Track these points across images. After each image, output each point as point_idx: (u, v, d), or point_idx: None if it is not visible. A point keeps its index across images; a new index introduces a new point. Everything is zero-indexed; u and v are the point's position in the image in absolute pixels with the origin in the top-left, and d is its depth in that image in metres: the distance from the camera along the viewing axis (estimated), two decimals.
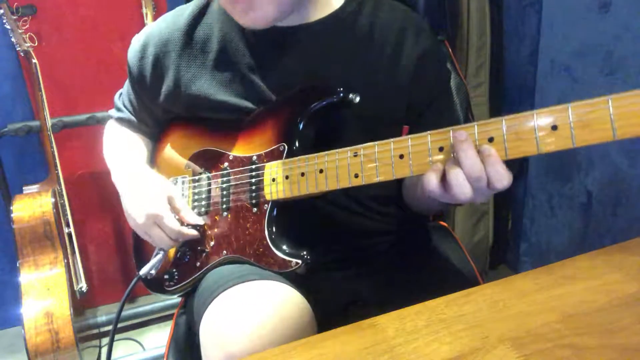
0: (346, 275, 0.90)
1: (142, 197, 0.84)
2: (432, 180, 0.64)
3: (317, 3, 0.84)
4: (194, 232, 0.85)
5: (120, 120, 1.00)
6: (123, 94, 1.01)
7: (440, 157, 0.65)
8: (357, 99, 0.78)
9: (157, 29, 0.90)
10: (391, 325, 0.60)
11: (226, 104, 0.85)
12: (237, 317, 0.70)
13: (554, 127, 0.58)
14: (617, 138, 0.55)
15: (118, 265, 2.03)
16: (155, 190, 0.84)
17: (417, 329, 0.59)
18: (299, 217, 0.84)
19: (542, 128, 0.59)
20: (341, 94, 0.78)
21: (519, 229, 1.93)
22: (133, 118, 0.99)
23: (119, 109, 1.01)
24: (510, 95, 1.86)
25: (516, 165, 1.86)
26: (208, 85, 0.86)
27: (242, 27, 0.84)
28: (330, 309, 0.85)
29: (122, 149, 0.96)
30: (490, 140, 0.62)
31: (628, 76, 1.37)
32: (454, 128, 0.63)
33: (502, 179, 0.61)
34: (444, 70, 0.93)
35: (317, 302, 0.83)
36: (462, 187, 0.62)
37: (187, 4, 0.91)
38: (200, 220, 0.86)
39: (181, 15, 0.89)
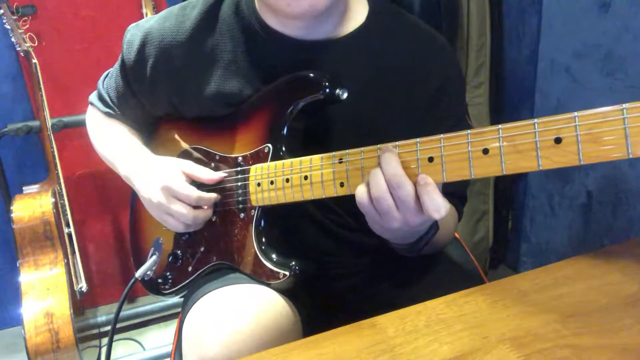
0: (347, 283, 0.89)
1: (155, 175, 0.80)
2: (361, 189, 0.62)
3: (344, 18, 0.79)
4: (212, 195, 0.80)
5: (106, 114, 0.95)
6: (109, 84, 0.93)
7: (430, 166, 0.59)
8: (345, 95, 0.72)
9: (159, 28, 0.83)
10: (391, 325, 0.60)
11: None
12: (214, 322, 0.69)
13: (558, 140, 0.50)
14: (632, 156, 0.47)
15: (118, 265, 2.03)
16: (166, 165, 0.81)
17: (417, 329, 0.59)
18: (290, 225, 0.82)
19: (543, 140, 0.51)
20: (327, 90, 0.71)
21: (519, 229, 1.93)
22: (119, 114, 0.94)
23: (104, 101, 0.95)
24: (510, 95, 1.86)
25: None
26: (212, 98, 0.81)
27: (256, 38, 0.79)
28: (331, 313, 0.84)
29: (121, 143, 0.92)
30: (485, 152, 0.55)
31: (628, 76, 1.36)
32: (444, 136, 0.58)
33: (439, 208, 0.58)
34: (462, 95, 0.89)
35: (314, 308, 0.83)
36: (382, 193, 0.59)
37: (194, 1, 0.84)
38: (215, 175, 0.80)
39: (187, 17, 0.82)
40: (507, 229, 1.97)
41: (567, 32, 1.55)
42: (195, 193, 0.78)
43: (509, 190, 1.92)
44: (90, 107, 1.01)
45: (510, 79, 1.85)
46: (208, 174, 0.81)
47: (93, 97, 0.99)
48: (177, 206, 0.78)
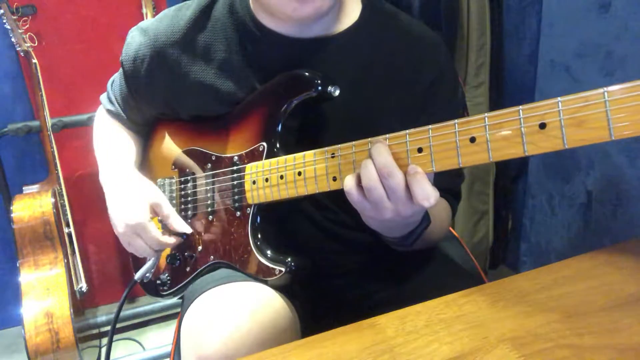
0: (345, 281, 0.89)
1: (124, 206, 0.82)
2: (349, 180, 0.63)
3: (338, 16, 0.80)
4: (174, 240, 0.84)
5: (110, 112, 0.96)
6: (115, 85, 0.95)
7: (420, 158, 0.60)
8: (337, 92, 0.73)
9: (154, 29, 0.84)
10: (391, 325, 0.60)
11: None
12: (212, 320, 0.69)
13: (542, 125, 0.51)
14: (615, 138, 0.48)
15: (118, 265, 2.03)
16: (137, 198, 0.82)
17: (417, 329, 0.59)
18: (286, 222, 0.82)
19: (528, 126, 0.52)
20: (319, 87, 0.73)
21: (519, 229, 1.93)
22: (122, 114, 0.95)
23: (110, 100, 0.96)
24: (510, 96, 1.86)
25: (516, 165, 1.87)
26: (207, 97, 0.82)
27: (250, 37, 0.80)
28: (329, 311, 0.84)
29: (112, 148, 0.92)
30: (472, 140, 0.56)
31: (628, 76, 1.36)
32: (433, 127, 0.59)
33: (429, 196, 0.58)
34: (456, 92, 0.89)
35: (313, 306, 0.82)
36: (373, 182, 0.60)
37: (189, 2, 0.85)
38: (187, 229, 0.84)
39: (181, 18, 0.83)
40: (507, 229, 1.97)
41: (567, 32, 1.55)
42: (157, 246, 0.83)
43: (509, 190, 1.92)
44: (100, 107, 1.02)
45: (510, 79, 1.85)
46: (180, 226, 0.85)
47: (103, 96, 1.00)
48: (140, 243, 0.83)
